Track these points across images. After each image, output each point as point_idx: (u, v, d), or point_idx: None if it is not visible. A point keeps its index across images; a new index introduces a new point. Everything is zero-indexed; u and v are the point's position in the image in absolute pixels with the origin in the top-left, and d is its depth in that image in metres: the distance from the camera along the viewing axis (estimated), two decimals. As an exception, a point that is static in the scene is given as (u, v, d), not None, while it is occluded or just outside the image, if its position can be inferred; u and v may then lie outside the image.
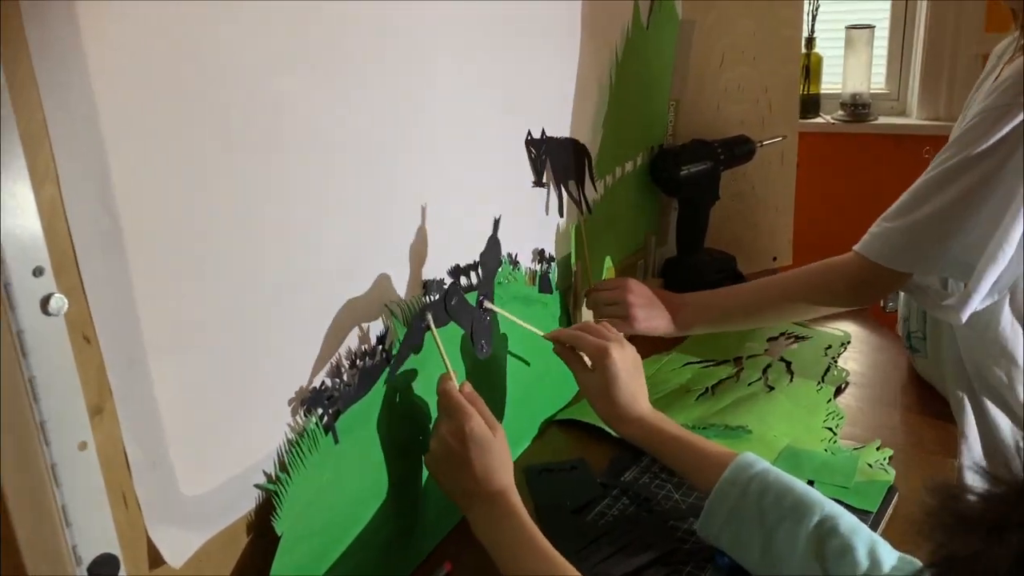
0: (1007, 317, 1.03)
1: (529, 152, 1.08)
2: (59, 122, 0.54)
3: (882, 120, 2.62)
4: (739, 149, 1.42)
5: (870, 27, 2.61)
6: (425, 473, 0.92)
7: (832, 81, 2.76)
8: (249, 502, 0.74)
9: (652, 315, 1.14)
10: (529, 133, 1.07)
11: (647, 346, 1.24)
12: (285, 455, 0.75)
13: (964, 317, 0.99)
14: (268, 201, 0.70)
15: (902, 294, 1.31)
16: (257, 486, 0.74)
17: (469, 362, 0.96)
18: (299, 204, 0.73)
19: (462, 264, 0.96)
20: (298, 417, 0.76)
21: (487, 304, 0.99)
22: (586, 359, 0.94)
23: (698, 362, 1.27)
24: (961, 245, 0.97)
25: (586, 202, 1.22)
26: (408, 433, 0.88)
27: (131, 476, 0.63)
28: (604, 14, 1.21)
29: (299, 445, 0.75)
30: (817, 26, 2.68)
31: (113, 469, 0.61)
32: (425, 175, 0.89)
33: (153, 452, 0.64)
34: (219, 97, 0.64)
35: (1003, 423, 1.08)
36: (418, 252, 0.89)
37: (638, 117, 1.36)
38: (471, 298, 0.96)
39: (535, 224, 1.12)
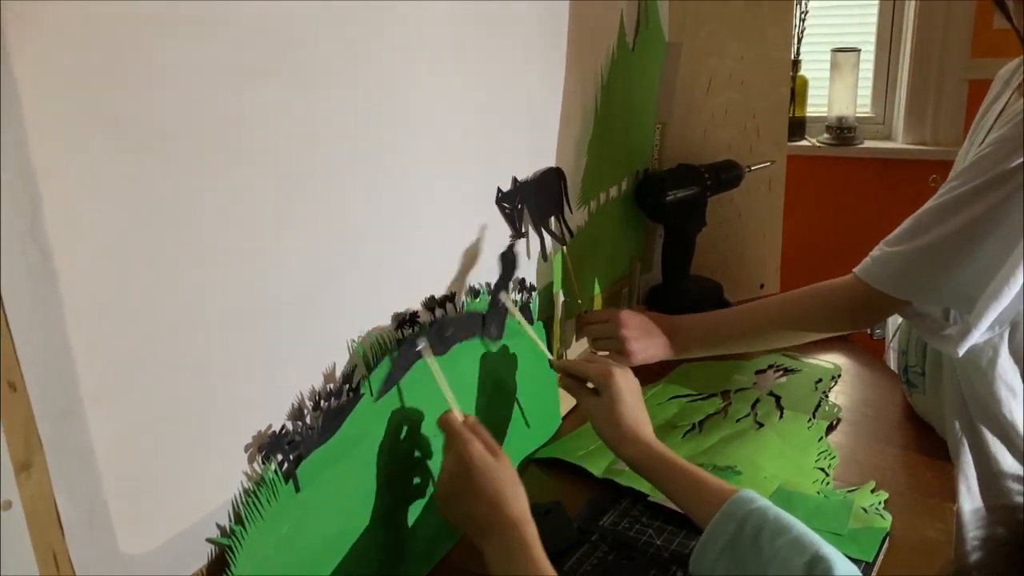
0: (1006, 351, 0.99)
1: (503, 208, 1.03)
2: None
3: (868, 144, 2.60)
4: (727, 174, 1.38)
5: (856, 50, 2.60)
6: (406, 516, 0.87)
7: (818, 104, 2.74)
8: (200, 559, 0.68)
9: (648, 345, 1.12)
10: (499, 190, 1.01)
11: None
12: (241, 506, 0.70)
13: (962, 351, 0.96)
14: (215, 232, 0.64)
15: (891, 324, 1.28)
16: (209, 540, 0.68)
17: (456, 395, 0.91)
18: (250, 235, 0.68)
19: (436, 296, 0.90)
20: (255, 464, 0.71)
21: (505, 302, 1.00)
22: (590, 385, 0.94)
23: (684, 396, 1.22)
24: (964, 277, 0.93)
25: (567, 229, 1.17)
26: (384, 474, 0.83)
27: (63, 535, 0.57)
28: (589, 35, 1.17)
29: (256, 495, 0.70)
30: (803, 48, 2.67)
31: (43, 528, 0.55)
32: (399, 203, 0.84)
33: (89, 508, 0.59)
34: (162, 123, 0.59)
35: (1004, 458, 1.03)
36: (387, 284, 0.84)
37: (623, 141, 1.32)
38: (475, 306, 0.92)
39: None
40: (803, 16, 2.64)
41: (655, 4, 1.34)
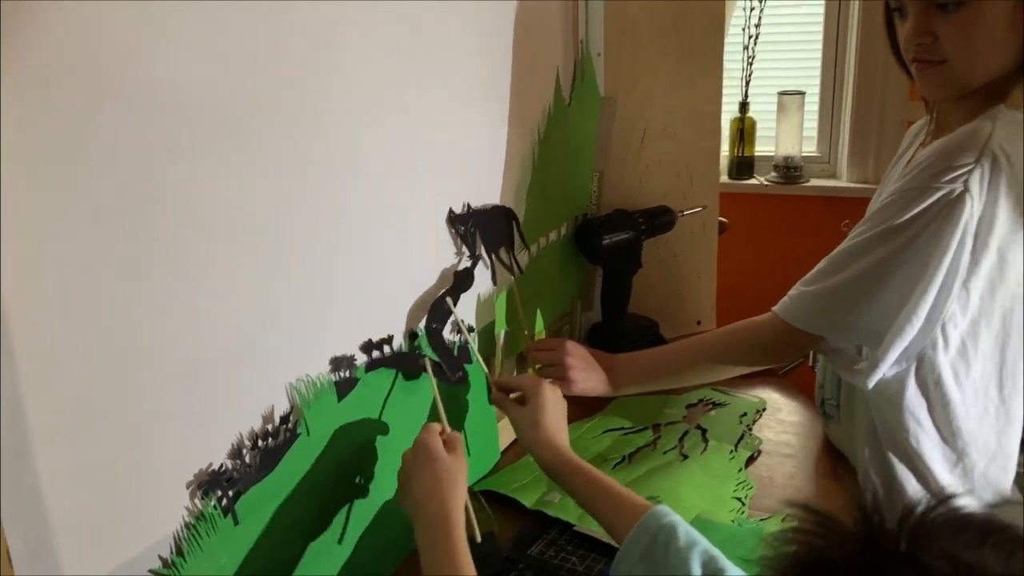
0: (913, 384, 1.06)
1: (456, 229, 1.10)
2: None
3: (813, 182, 2.71)
4: (660, 219, 1.47)
5: (801, 93, 2.71)
6: (340, 551, 0.93)
7: (766, 144, 2.85)
8: (151, 583, 0.74)
9: (588, 376, 1.18)
10: (451, 210, 1.09)
11: (570, 412, 1.27)
12: (181, 539, 0.75)
13: (871, 384, 1.03)
14: (159, 287, 0.71)
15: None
16: (151, 571, 0.74)
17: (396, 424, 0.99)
18: (194, 287, 0.74)
19: (374, 339, 0.97)
20: (196, 500, 0.77)
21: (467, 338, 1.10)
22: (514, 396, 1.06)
23: (618, 429, 1.29)
24: (871, 315, 1.00)
25: (517, 264, 1.25)
26: (322, 508, 0.89)
27: (12, 567, 0.63)
28: (527, 91, 1.25)
29: (196, 528, 0.76)
30: (751, 91, 2.78)
31: (-9, 560, 0.61)
32: (337, 252, 0.91)
33: (37, 541, 0.64)
34: (103, 186, 0.66)
35: (910, 484, 1.11)
36: (324, 330, 0.91)
37: (562, 189, 1.40)
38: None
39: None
40: (750, 60, 2.75)
41: (590, 61, 1.43)
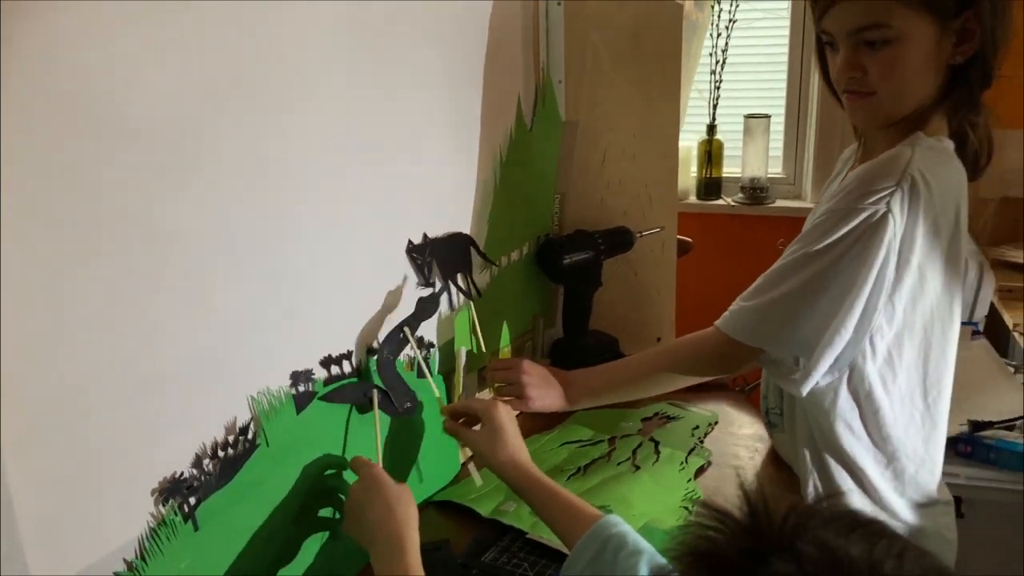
0: (845, 392, 1.12)
1: (415, 259, 1.15)
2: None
3: (779, 203, 2.79)
4: (619, 239, 1.53)
5: (767, 116, 2.79)
6: (299, 558, 0.97)
7: (733, 165, 2.93)
8: (113, 586, 0.78)
9: (545, 394, 1.22)
10: (409, 242, 1.14)
11: (530, 425, 1.33)
12: (144, 543, 0.79)
13: (804, 391, 1.09)
14: (126, 306, 0.76)
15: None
16: (116, 573, 0.78)
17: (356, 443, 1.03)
18: (156, 305, 0.79)
19: (333, 355, 1.02)
20: (159, 507, 0.81)
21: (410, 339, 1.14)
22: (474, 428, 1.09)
23: (575, 441, 1.34)
24: (804, 328, 1.06)
25: (475, 288, 1.30)
26: (282, 511, 0.93)
27: (-20, 567, 0.67)
28: (489, 117, 1.31)
29: (157, 533, 0.80)
30: (718, 114, 2.86)
31: (-38, 561, 0.65)
32: (300, 271, 0.96)
33: (7, 545, 0.68)
34: (69, 208, 0.70)
35: (845, 484, 1.15)
36: (286, 345, 0.95)
37: (523, 211, 1.45)
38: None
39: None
40: (717, 84, 2.83)
41: (551, 87, 1.49)
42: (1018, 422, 1.72)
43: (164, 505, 0.80)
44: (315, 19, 0.94)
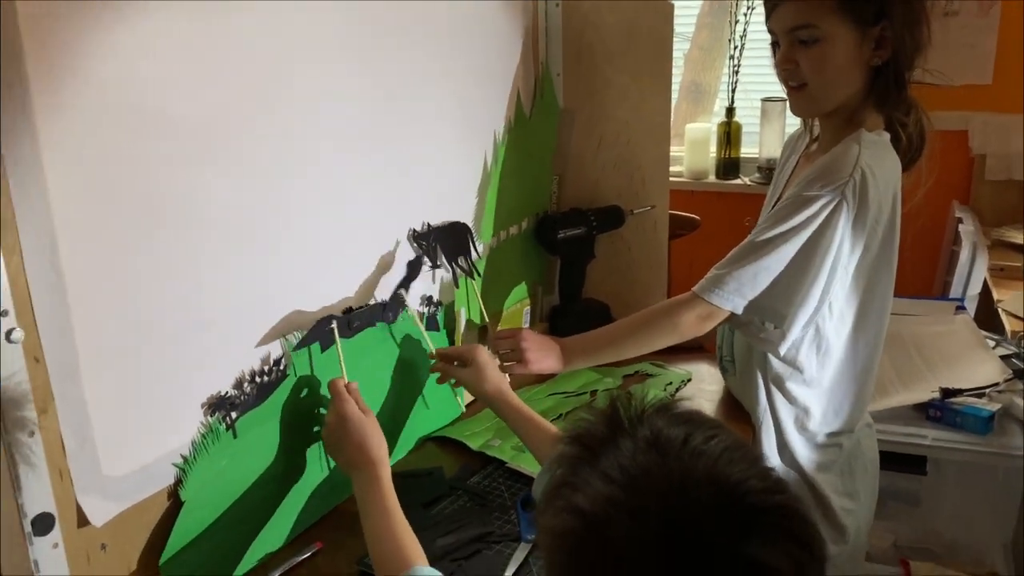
0: (807, 344, 1.30)
1: (420, 244, 1.35)
2: (23, 215, 0.81)
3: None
4: (611, 216, 1.70)
5: (783, 100, 2.92)
6: (314, 462, 1.18)
7: (751, 146, 3.06)
8: (165, 481, 1.00)
9: (543, 357, 1.40)
10: (412, 230, 1.35)
11: (523, 381, 1.53)
12: (194, 445, 1.02)
13: (782, 351, 1.28)
14: (179, 265, 0.98)
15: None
16: (174, 464, 1.00)
17: (361, 378, 1.24)
18: (211, 264, 1.01)
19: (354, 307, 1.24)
20: (207, 417, 1.03)
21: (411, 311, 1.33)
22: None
23: (561, 393, 1.53)
24: (771, 296, 1.24)
25: (475, 269, 1.49)
26: (303, 430, 1.15)
27: (66, 457, 0.89)
28: (490, 106, 1.50)
29: (205, 438, 1.02)
30: (736, 98, 2.99)
31: (53, 451, 0.88)
32: (318, 244, 1.17)
33: (83, 441, 0.91)
34: (134, 188, 0.92)
35: (787, 418, 1.35)
36: (310, 299, 1.17)
37: (521, 190, 1.64)
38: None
39: (424, 275, 1.40)
40: (736, 69, 2.97)
41: (550, 78, 1.67)
42: (988, 390, 1.85)
43: (211, 416, 1.03)
44: (327, 21, 1.14)
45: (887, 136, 1.26)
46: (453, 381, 1.31)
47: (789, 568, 0.58)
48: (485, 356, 1.26)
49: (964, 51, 2.64)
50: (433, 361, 1.33)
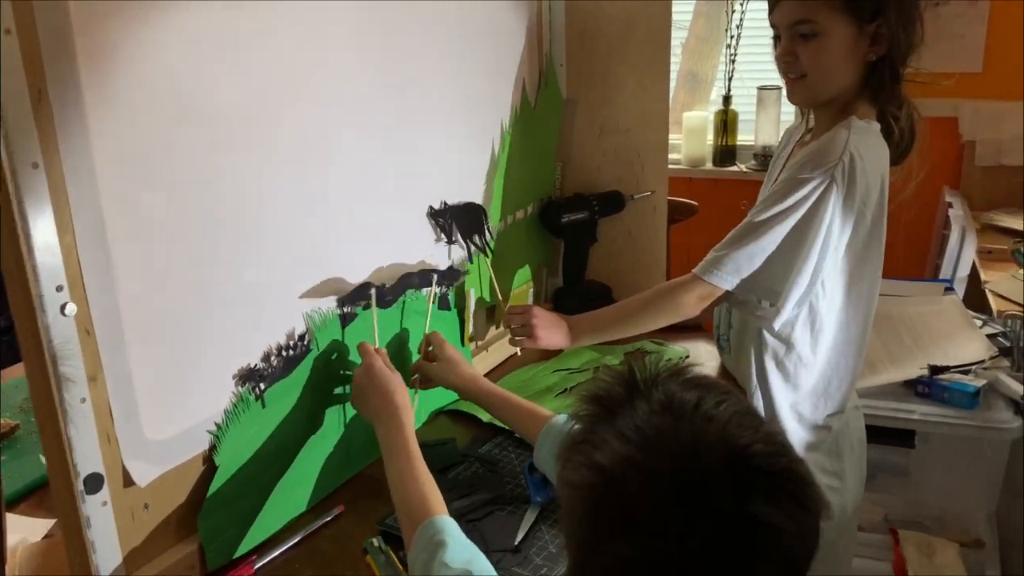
0: (801, 322, 1.37)
1: (437, 221, 1.43)
2: (76, 199, 0.89)
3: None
4: (612, 201, 1.78)
5: (778, 88, 2.99)
6: (335, 431, 1.26)
7: (747, 134, 3.13)
8: (200, 447, 1.08)
9: (551, 333, 1.48)
10: (431, 207, 1.42)
11: (534, 358, 1.61)
12: (226, 413, 1.10)
13: (777, 327, 1.35)
14: (215, 246, 1.05)
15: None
16: (208, 431, 1.08)
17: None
18: (243, 241, 1.09)
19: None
20: (238, 388, 1.11)
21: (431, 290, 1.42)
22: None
23: (564, 369, 1.61)
24: (767, 274, 1.32)
25: (489, 247, 1.57)
26: (324, 400, 1.23)
27: (113, 424, 0.97)
28: (497, 96, 1.57)
29: (236, 407, 1.10)
30: (733, 86, 3.06)
31: (102, 418, 0.95)
32: (339, 226, 1.24)
33: (128, 409, 0.98)
34: (174, 173, 0.99)
35: (781, 397, 1.42)
36: (334, 279, 1.25)
37: (527, 177, 1.71)
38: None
39: (439, 254, 1.48)
40: (732, 58, 3.03)
41: (553, 69, 1.74)
42: (974, 367, 1.93)
43: (242, 386, 1.10)
44: (349, 20, 1.21)
45: (877, 125, 1.33)
46: (416, 377, 1.36)
47: (790, 527, 0.63)
48: (450, 350, 1.33)
49: (954, 40, 2.70)
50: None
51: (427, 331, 1.40)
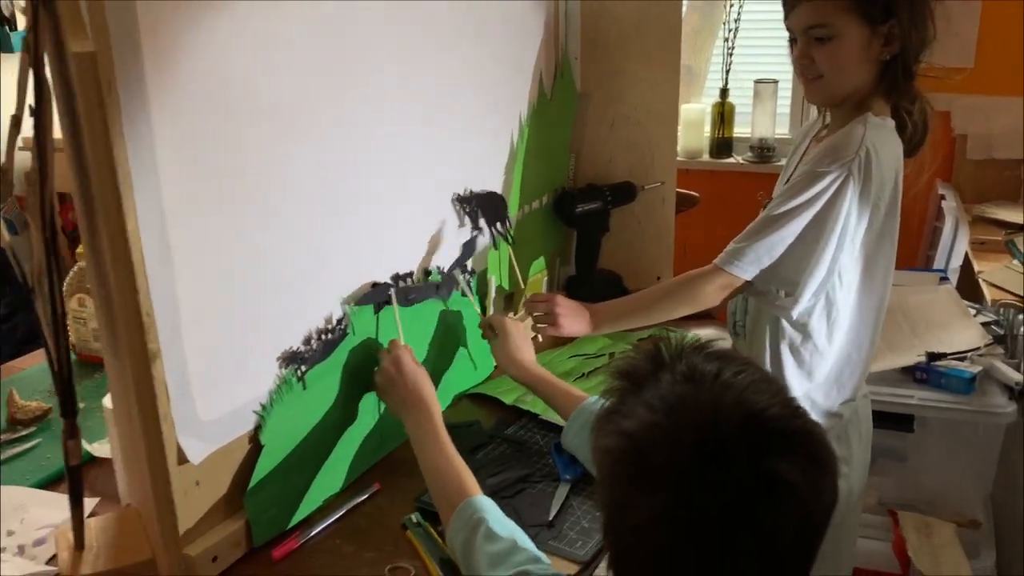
0: (819, 311, 1.43)
1: (463, 207, 1.47)
2: (140, 190, 0.93)
3: (784, 162, 3.04)
4: (624, 192, 1.83)
5: (775, 81, 3.05)
6: (369, 413, 1.31)
7: (743, 126, 3.19)
8: (247, 426, 1.12)
9: (573, 321, 1.52)
10: (456, 195, 1.46)
11: (546, 345, 1.65)
12: (271, 395, 1.14)
13: (795, 315, 1.40)
14: (263, 236, 1.09)
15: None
16: (254, 411, 1.12)
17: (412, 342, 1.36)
18: (285, 237, 1.13)
19: (401, 272, 1.36)
20: (281, 370, 1.15)
21: (459, 277, 1.47)
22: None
23: (581, 355, 1.66)
24: (785, 265, 1.37)
25: (510, 235, 1.62)
26: (361, 383, 1.28)
27: (169, 403, 1.01)
28: (515, 89, 1.61)
29: (280, 389, 1.14)
30: (730, 79, 3.11)
31: (161, 394, 0.99)
32: (377, 212, 1.29)
33: (183, 389, 1.03)
34: (229, 165, 1.03)
35: (795, 384, 1.46)
36: (368, 267, 1.29)
37: (542, 167, 1.76)
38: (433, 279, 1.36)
39: (463, 240, 1.52)
40: (730, 51, 3.08)
41: (568, 63, 1.79)
42: (970, 354, 2.00)
43: (285, 369, 1.15)
44: (384, 20, 1.24)
45: (892, 121, 1.38)
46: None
47: (803, 482, 0.68)
48: (509, 327, 1.39)
49: (948, 36, 2.76)
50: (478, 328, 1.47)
51: (480, 315, 1.47)
